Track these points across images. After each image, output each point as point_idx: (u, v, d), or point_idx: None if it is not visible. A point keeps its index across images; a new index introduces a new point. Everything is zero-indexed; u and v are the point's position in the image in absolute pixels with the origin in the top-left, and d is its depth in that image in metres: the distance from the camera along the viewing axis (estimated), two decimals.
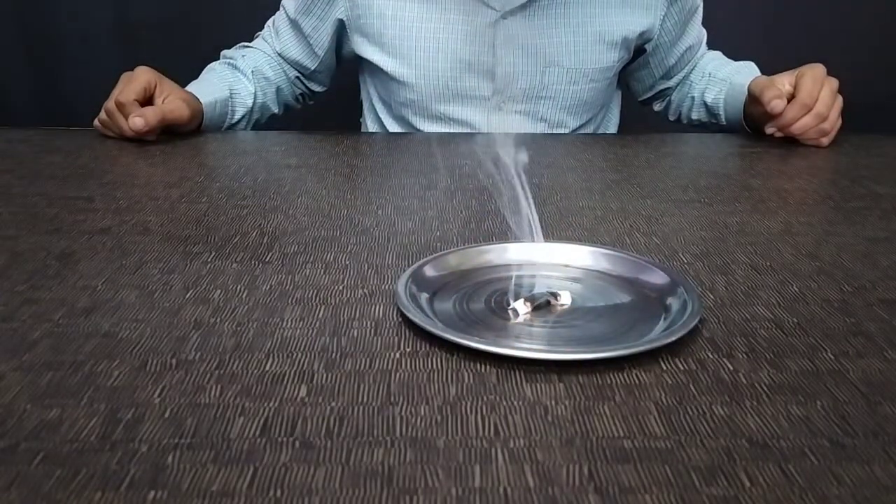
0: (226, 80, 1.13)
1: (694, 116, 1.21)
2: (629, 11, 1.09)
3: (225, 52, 1.20)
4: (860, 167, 0.90)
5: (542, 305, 0.52)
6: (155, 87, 1.00)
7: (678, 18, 1.12)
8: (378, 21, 1.08)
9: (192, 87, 1.09)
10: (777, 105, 0.95)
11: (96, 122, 1.02)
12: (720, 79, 1.16)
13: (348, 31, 1.13)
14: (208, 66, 1.17)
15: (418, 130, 1.13)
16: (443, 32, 1.06)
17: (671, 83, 1.22)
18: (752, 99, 1.02)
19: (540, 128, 1.12)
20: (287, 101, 1.24)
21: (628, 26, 1.09)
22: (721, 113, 1.15)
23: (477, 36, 1.06)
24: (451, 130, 1.11)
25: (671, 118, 1.27)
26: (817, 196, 0.78)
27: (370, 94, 1.20)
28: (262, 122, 1.21)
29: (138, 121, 0.94)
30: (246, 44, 1.22)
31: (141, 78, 0.99)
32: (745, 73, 1.12)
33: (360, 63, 1.17)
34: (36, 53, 1.71)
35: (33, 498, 0.34)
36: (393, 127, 1.18)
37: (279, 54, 1.19)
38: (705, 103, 1.18)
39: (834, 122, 0.98)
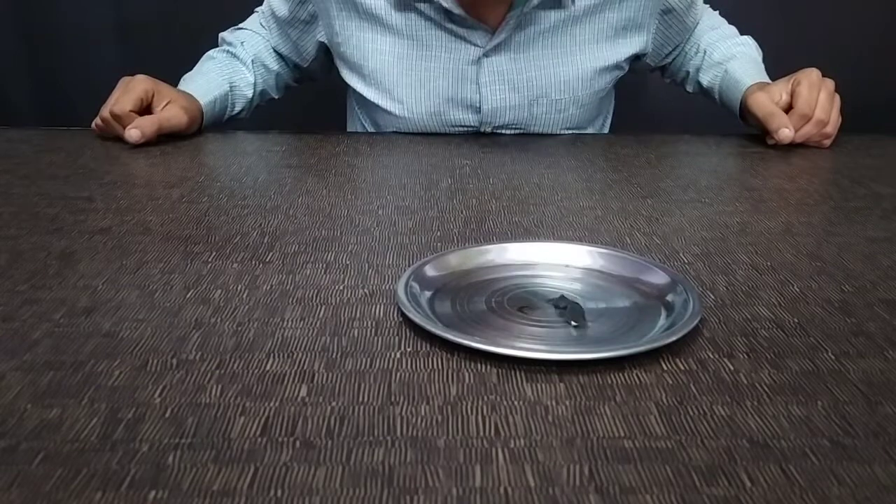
0: (225, 72, 1.12)
1: (689, 89, 1.20)
2: (621, 38, 1.07)
3: (224, 36, 1.18)
4: (861, 167, 0.90)
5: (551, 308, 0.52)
6: (153, 96, 0.99)
7: (672, 22, 1.11)
8: (357, 52, 1.07)
9: (190, 83, 1.08)
10: (785, 136, 0.95)
11: (93, 125, 1.02)
12: (716, 61, 1.13)
13: (332, 51, 1.12)
14: (207, 55, 1.15)
15: None
16: (424, 70, 1.04)
17: (668, 60, 1.20)
18: (751, 111, 1.01)
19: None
20: (287, 84, 1.23)
21: (621, 52, 1.07)
22: (716, 98, 1.14)
23: (460, 73, 1.04)
24: None
25: (666, 81, 1.26)
26: (818, 196, 0.78)
27: (357, 114, 1.19)
28: (262, 104, 1.21)
29: (134, 133, 0.94)
30: (243, 26, 1.19)
31: (138, 87, 0.98)
32: (740, 60, 1.10)
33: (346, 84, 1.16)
34: (36, 53, 1.71)
35: (34, 498, 0.34)
36: None
37: (273, 48, 1.18)
38: (700, 83, 1.16)
39: (835, 123, 0.98)
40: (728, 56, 1.12)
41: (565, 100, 1.06)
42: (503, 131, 1.09)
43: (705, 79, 1.14)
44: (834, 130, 0.98)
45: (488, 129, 1.08)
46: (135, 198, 0.74)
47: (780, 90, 1.00)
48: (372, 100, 1.09)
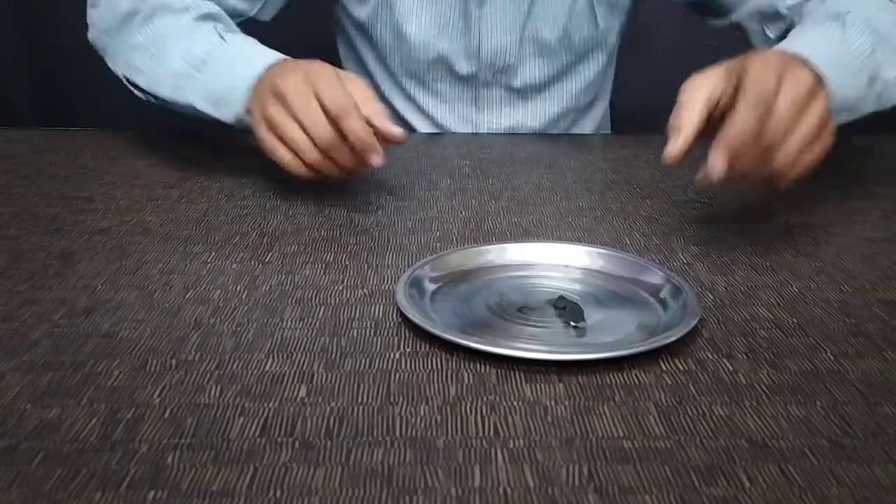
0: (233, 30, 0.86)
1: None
2: None
3: (170, 3, 0.83)
4: (860, 167, 0.90)
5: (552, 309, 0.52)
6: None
7: None
8: None
9: (240, 51, 0.78)
10: (669, 153, 0.60)
11: (289, 162, 0.68)
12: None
13: None
14: (184, 28, 0.81)
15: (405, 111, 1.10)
16: (434, 5, 1.01)
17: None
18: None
19: (530, 107, 1.07)
20: None
21: None
22: None
23: (462, 14, 1.02)
24: (435, 104, 1.07)
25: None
26: (817, 196, 0.78)
27: (355, 59, 1.13)
28: None
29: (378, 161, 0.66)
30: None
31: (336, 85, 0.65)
32: (786, 40, 0.72)
33: (341, 26, 1.09)
34: (36, 53, 1.72)
35: (33, 498, 0.34)
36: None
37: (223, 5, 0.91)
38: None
39: (795, 152, 0.58)
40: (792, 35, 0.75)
41: (558, 42, 1.02)
42: (503, 78, 1.05)
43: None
44: (789, 169, 0.59)
45: (487, 78, 1.05)
46: (134, 198, 0.74)
47: (723, 76, 0.60)
48: (368, 28, 1.03)
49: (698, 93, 0.60)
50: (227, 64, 0.76)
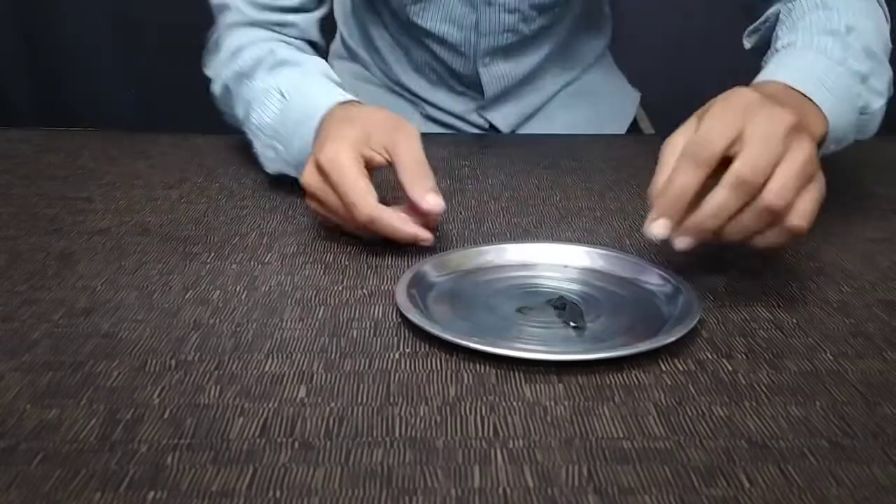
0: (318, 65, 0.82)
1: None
2: None
3: (241, 66, 0.81)
4: (860, 167, 0.90)
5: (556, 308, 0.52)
6: (373, 155, 0.63)
7: None
8: None
9: (307, 92, 0.74)
10: (654, 231, 0.54)
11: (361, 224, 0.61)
12: (774, 48, 0.73)
13: None
14: (273, 84, 0.76)
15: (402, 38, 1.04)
16: None
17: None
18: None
19: (530, 25, 1.01)
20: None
21: None
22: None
23: None
24: (434, 17, 1.01)
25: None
26: None
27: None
28: None
29: (433, 199, 0.61)
30: (245, 45, 0.84)
31: (350, 168, 0.60)
32: (776, 61, 0.68)
33: None
34: (36, 53, 1.72)
35: (33, 498, 0.34)
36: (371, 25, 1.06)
37: (278, 25, 0.87)
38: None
39: (806, 212, 0.53)
40: (780, 51, 0.70)
41: None
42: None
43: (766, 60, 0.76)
44: (802, 222, 0.52)
45: None
46: (134, 198, 0.74)
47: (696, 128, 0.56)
48: None
49: (676, 156, 0.57)
50: (293, 128, 0.73)
